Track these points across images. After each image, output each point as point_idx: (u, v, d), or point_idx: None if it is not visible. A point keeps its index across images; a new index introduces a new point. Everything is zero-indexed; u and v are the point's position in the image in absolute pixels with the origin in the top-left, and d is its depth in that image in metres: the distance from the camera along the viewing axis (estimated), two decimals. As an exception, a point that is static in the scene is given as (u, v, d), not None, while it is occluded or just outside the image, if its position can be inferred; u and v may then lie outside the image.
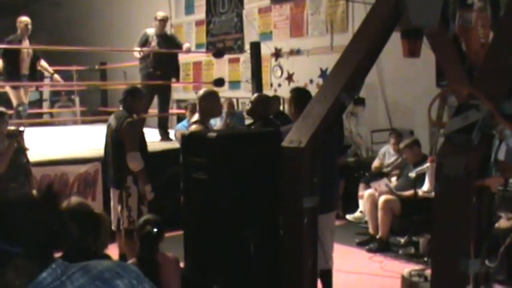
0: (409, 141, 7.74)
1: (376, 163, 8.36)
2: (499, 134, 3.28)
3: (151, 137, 9.45)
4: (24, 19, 8.86)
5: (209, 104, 5.67)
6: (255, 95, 6.25)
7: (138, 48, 9.34)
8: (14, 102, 8.89)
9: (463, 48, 5.15)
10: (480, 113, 3.28)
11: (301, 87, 6.83)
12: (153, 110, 9.72)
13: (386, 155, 8.34)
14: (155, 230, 4.34)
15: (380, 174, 8.19)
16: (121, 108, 6.22)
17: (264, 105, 6.22)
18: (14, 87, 8.87)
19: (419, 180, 7.19)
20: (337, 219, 8.71)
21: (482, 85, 3.55)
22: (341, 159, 9.09)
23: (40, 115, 13.36)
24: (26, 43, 8.81)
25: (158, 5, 12.66)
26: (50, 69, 9.48)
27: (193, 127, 5.44)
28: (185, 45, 9.81)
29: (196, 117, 5.70)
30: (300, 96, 5.42)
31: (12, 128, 5.92)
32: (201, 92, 5.88)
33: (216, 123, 9.02)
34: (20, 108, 8.80)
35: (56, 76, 9.56)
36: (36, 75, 9.20)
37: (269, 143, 4.25)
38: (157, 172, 6.45)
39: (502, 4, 7.22)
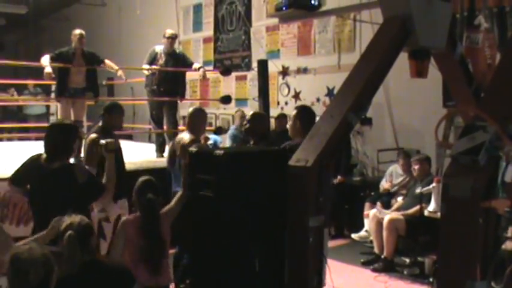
0: (421, 156, 7.75)
1: (385, 185, 8.29)
2: (505, 155, 3.28)
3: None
4: (78, 32, 8.79)
5: (196, 121, 6.11)
6: (251, 113, 6.23)
7: (146, 66, 9.37)
8: (59, 116, 8.85)
9: (470, 69, 5.16)
10: (487, 135, 3.29)
11: (306, 106, 6.85)
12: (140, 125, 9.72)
13: (394, 174, 8.31)
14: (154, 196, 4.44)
15: (388, 194, 8.17)
16: (100, 124, 6.40)
17: (263, 122, 6.22)
18: (61, 102, 8.87)
19: (426, 198, 7.16)
20: (342, 238, 8.76)
21: (489, 106, 3.56)
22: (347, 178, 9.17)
23: (43, 129, 13.37)
24: (79, 56, 8.77)
25: (166, 21, 12.74)
26: (115, 66, 9.38)
27: (187, 138, 5.81)
28: (196, 66, 9.77)
29: (186, 134, 5.98)
30: (307, 114, 5.44)
31: (108, 140, 5.19)
32: (190, 110, 6.27)
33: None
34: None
35: (120, 72, 9.43)
36: (95, 86, 9.14)
37: (276, 161, 4.25)
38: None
39: (509, 25, 7.26)
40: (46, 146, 4.75)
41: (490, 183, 3.25)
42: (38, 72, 9.36)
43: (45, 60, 8.54)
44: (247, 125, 6.01)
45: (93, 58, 8.94)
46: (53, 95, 11.16)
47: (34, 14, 17.40)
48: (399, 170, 8.28)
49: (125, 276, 3.70)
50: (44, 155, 4.68)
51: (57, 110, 10.64)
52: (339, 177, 8.81)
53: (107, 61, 9.17)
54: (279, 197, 4.05)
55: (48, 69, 8.43)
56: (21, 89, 14.57)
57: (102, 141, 5.06)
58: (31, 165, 4.76)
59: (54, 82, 9.10)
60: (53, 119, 14.72)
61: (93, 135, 6.06)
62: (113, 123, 6.33)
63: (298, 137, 5.14)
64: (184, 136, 5.96)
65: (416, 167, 7.62)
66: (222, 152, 4.08)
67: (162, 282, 4.42)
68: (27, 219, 6.93)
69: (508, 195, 3.31)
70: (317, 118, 4.79)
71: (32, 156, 4.85)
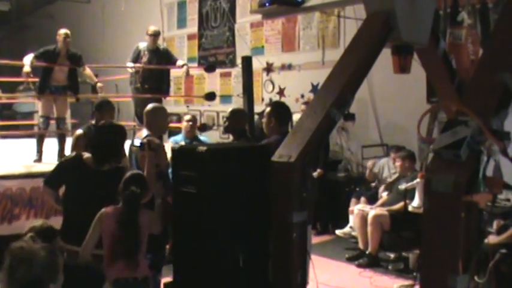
0: (405, 153, 7.76)
1: (369, 164, 8.26)
2: (487, 149, 3.29)
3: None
4: (63, 32, 8.73)
5: (154, 119, 5.69)
6: (230, 110, 6.13)
7: (130, 63, 9.33)
8: (40, 112, 8.85)
9: (453, 65, 5.19)
10: (469, 129, 3.30)
11: (280, 102, 6.79)
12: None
13: (385, 167, 8.29)
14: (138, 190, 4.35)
15: (374, 188, 8.17)
16: (92, 122, 6.48)
17: (242, 119, 6.16)
18: (43, 99, 8.83)
19: (410, 194, 7.19)
20: (327, 234, 8.78)
21: (471, 101, 3.57)
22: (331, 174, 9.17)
23: (31, 126, 13.30)
24: (63, 55, 8.71)
25: (151, 18, 12.70)
26: (94, 78, 9.36)
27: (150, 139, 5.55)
28: (179, 63, 9.74)
29: (145, 132, 5.68)
30: (282, 110, 5.42)
31: (150, 138, 5.07)
32: (148, 107, 5.82)
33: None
34: (41, 120, 8.69)
35: (99, 85, 9.39)
36: (76, 85, 9.09)
37: (259, 157, 4.25)
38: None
39: (492, 21, 7.30)
40: (95, 148, 4.67)
41: (471, 177, 3.27)
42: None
43: (27, 59, 8.50)
44: (226, 123, 5.94)
45: (76, 59, 8.90)
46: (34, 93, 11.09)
47: (17, 11, 17.29)
48: (391, 165, 8.21)
49: (93, 275, 3.70)
50: (88, 156, 4.62)
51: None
52: (318, 170, 8.65)
53: (88, 70, 9.12)
54: (263, 192, 4.05)
55: (26, 68, 8.40)
56: (12, 87, 14.39)
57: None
58: (70, 166, 4.69)
59: (37, 79, 9.05)
60: (36, 116, 14.65)
61: (80, 131, 6.09)
62: (103, 120, 6.33)
63: (275, 134, 5.13)
64: (143, 132, 5.86)
65: (399, 163, 7.65)
66: (204, 148, 4.08)
67: (138, 274, 4.40)
68: (10, 217, 6.89)
69: (490, 189, 3.33)
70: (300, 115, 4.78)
71: (69, 157, 4.84)
